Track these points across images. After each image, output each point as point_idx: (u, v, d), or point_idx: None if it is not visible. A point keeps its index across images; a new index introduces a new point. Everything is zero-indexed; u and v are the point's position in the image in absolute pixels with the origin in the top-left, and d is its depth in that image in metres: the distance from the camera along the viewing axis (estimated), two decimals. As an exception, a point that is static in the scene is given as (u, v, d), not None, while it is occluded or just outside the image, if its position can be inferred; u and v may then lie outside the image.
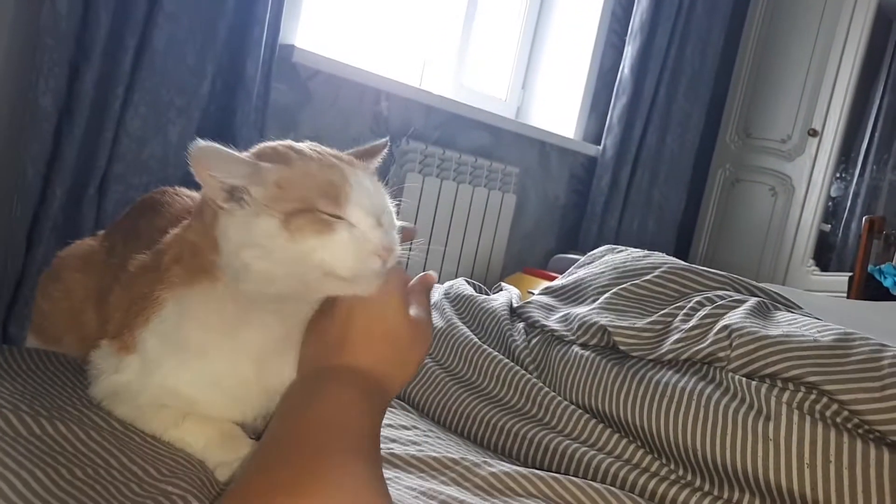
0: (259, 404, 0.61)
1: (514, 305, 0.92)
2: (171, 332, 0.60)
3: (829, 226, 3.74)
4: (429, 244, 2.34)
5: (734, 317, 0.73)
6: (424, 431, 0.72)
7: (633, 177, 3.00)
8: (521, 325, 0.87)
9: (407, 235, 0.62)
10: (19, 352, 0.75)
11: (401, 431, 0.71)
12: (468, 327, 0.87)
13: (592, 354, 0.76)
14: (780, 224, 3.41)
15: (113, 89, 1.53)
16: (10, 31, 1.43)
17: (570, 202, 3.00)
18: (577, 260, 2.52)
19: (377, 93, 2.13)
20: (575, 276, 0.95)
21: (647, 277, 0.85)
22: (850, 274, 2.99)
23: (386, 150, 0.66)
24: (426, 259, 2.35)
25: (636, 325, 0.76)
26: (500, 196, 2.55)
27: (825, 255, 3.65)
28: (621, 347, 0.75)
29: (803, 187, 3.36)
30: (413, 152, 2.21)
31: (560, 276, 0.99)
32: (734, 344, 0.69)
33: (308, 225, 0.54)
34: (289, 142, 0.61)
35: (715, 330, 0.72)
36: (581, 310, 0.83)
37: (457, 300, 0.94)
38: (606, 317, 0.79)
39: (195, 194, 0.85)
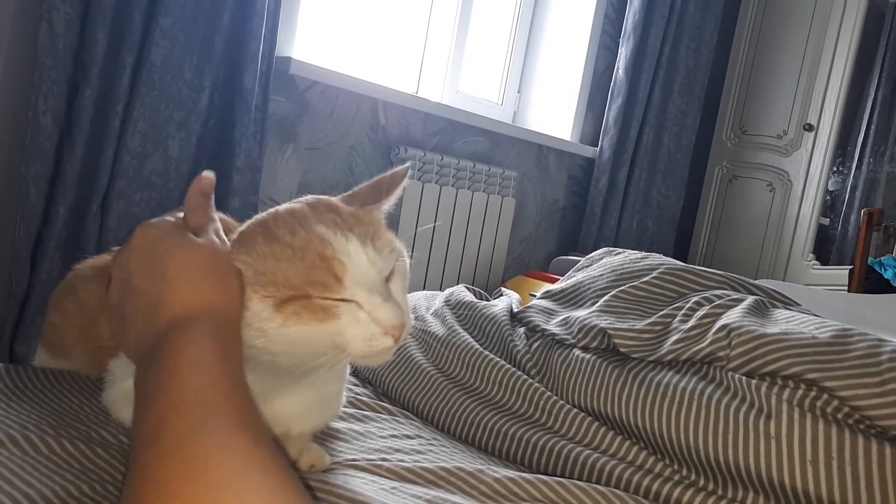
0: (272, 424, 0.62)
1: (515, 310, 0.93)
2: None
3: (828, 220, 3.75)
4: (430, 250, 2.35)
5: (732, 316, 0.73)
6: (428, 440, 0.73)
7: (631, 177, 3.01)
8: (522, 329, 0.88)
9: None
10: (25, 371, 0.76)
11: (405, 441, 0.72)
12: (469, 333, 0.88)
13: (593, 357, 0.77)
14: (778, 219, 3.42)
15: (112, 106, 1.53)
16: (8, 52, 1.44)
17: (570, 204, 3.01)
18: (578, 261, 2.53)
19: (374, 101, 2.14)
20: (574, 279, 0.96)
21: (646, 279, 0.86)
22: (851, 267, 3.00)
23: (406, 179, 0.62)
24: (428, 264, 2.36)
25: (636, 327, 0.77)
26: (500, 200, 2.56)
27: (825, 248, 3.66)
28: (621, 349, 0.76)
29: (801, 182, 3.37)
30: (412, 159, 2.22)
31: (559, 280, 0.99)
32: (733, 343, 0.70)
33: (305, 312, 0.51)
34: (279, 209, 0.58)
35: (714, 329, 0.72)
36: (581, 313, 0.84)
37: (457, 307, 0.94)
38: (606, 319, 0.80)
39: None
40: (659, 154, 3.13)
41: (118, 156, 1.58)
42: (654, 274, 0.86)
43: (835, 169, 3.54)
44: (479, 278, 2.57)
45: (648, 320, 0.78)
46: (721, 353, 0.70)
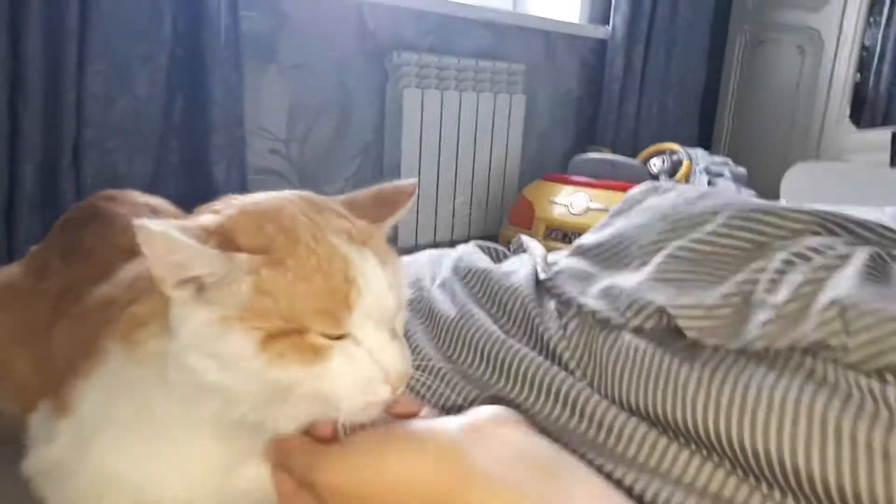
0: None
1: (541, 276, 0.73)
2: (114, 392, 0.45)
3: (859, 77, 3.48)
4: (438, 165, 2.18)
5: (843, 283, 0.53)
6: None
7: (648, 55, 2.79)
8: (553, 303, 0.67)
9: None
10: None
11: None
12: (486, 311, 0.69)
13: (651, 346, 0.56)
14: (810, 84, 3.17)
15: (64, 46, 1.39)
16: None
17: (584, 93, 2.79)
18: (599, 158, 2.30)
19: (359, 4, 1.92)
20: (612, 228, 0.75)
21: (708, 228, 0.66)
22: (894, 129, 2.80)
23: (413, 198, 0.49)
24: (437, 181, 2.19)
25: (706, 303, 0.57)
26: (508, 98, 2.35)
27: (858, 109, 3.42)
28: (689, 334, 0.56)
29: (833, 40, 3.10)
30: (407, 65, 2.01)
31: (591, 229, 0.80)
32: (851, 328, 0.49)
33: (291, 352, 0.39)
34: (272, 198, 0.43)
35: (819, 306, 0.51)
36: (627, 280, 0.65)
37: (470, 277, 0.74)
38: (663, 291, 0.61)
39: (153, 200, 0.70)
40: (676, 25, 2.88)
41: (80, 101, 1.49)
42: (720, 221, 0.66)
43: (871, 20, 3.23)
44: (494, 188, 2.40)
45: (721, 290, 0.58)
46: (834, 342, 0.49)
